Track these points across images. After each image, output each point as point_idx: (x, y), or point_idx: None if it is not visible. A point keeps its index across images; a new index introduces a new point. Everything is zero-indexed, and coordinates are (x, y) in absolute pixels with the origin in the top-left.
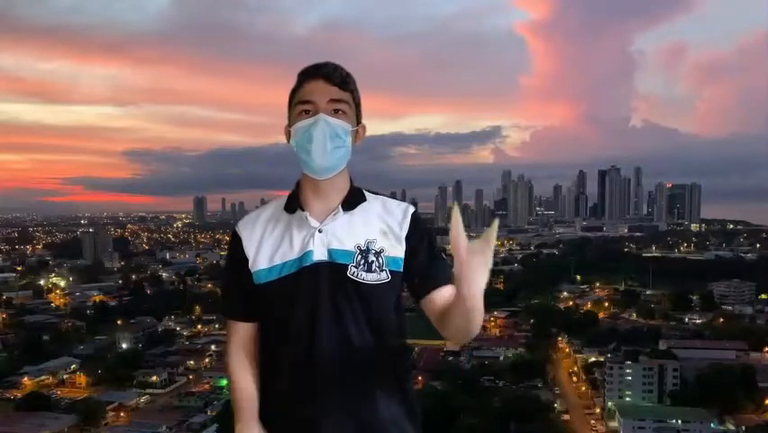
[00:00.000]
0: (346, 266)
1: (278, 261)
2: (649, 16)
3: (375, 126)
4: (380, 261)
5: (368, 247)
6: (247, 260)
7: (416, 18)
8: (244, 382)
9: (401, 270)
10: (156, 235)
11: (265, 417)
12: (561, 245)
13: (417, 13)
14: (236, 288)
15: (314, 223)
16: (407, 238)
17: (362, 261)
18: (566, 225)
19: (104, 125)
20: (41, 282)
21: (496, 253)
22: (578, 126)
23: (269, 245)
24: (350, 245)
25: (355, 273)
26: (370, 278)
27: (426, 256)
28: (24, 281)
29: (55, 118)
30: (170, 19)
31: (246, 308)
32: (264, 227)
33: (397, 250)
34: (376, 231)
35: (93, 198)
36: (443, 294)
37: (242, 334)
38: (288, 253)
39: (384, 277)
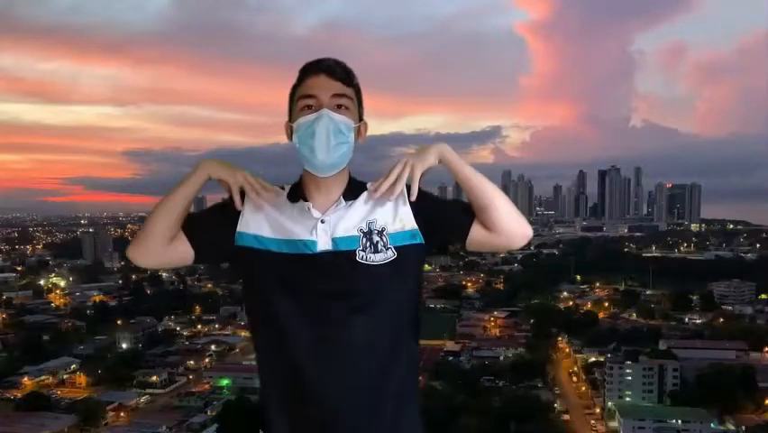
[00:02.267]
0: (354, 252)
1: (275, 235)
2: (649, 16)
3: (375, 126)
4: (384, 239)
5: (370, 228)
6: (239, 214)
7: (416, 18)
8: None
9: (413, 241)
10: None
11: (271, 416)
12: (561, 245)
13: (417, 13)
14: (204, 225)
15: (316, 214)
16: (417, 210)
17: (368, 243)
18: (566, 225)
19: (104, 125)
20: (41, 282)
21: (496, 253)
22: (578, 126)
23: (267, 217)
24: (353, 231)
25: (363, 257)
26: (378, 258)
27: (446, 209)
28: (24, 281)
29: (55, 118)
30: (170, 19)
31: (197, 236)
32: (266, 207)
33: (402, 223)
34: (375, 212)
35: (93, 198)
36: (478, 225)
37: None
38: (290, 233)
39: (391, 255)
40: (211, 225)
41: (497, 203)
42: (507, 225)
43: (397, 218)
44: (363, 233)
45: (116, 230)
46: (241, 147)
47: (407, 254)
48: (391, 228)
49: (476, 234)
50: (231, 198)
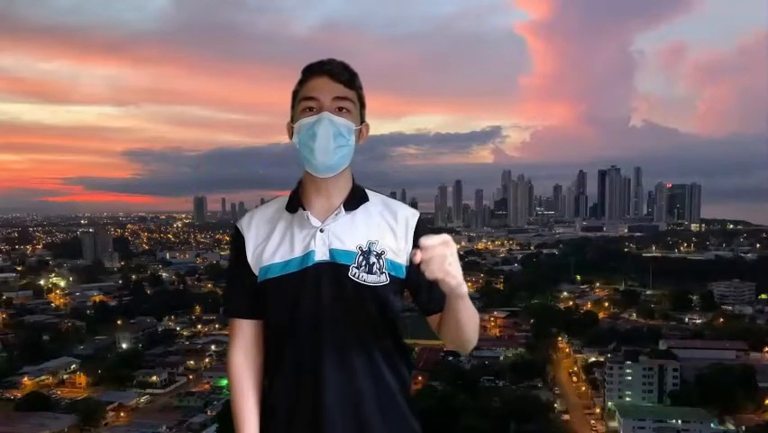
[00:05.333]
0: (347, 267)
1: (279, 259)
2: (649, 16)
3: (375, 126)
4: (381, 262)
5: (369, 248)
6: (249, 257)
7: (416, 18)
8: (247, 394)
9: (401, 276)
10: (156, 235)
11: (272, 413)
12: (561, 245)
13: (417, 13)
14: (239, 286)
15: (315, 222)
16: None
17: (363, 262)
18: (566, 225)
19: (104, 125)
20: (41, 282)
21: (496, 254)
22: (578, 126)
23: (271, 244)
24: (351, 246)
25: (356, 274)
26: (370, 280)
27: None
28: (24, 281)
29: (55, 118)
30: (170, 19)
31: (249, 306)
32: (266, 225)
33: (399, 257)
34: (378, 232)
35: (93, 198)
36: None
37: (245, 333)
38: (290, 252)
39: (384, 280)
40: (248, 293)
41: (467, 345)
42: (453, 347)
43: (397, 248)
44: (362, 251)
45: (116, 230)
46: (241, 147)
47: (397, 284)
48: (390, 255)
49: (433, 323)
50: (234, 239)
